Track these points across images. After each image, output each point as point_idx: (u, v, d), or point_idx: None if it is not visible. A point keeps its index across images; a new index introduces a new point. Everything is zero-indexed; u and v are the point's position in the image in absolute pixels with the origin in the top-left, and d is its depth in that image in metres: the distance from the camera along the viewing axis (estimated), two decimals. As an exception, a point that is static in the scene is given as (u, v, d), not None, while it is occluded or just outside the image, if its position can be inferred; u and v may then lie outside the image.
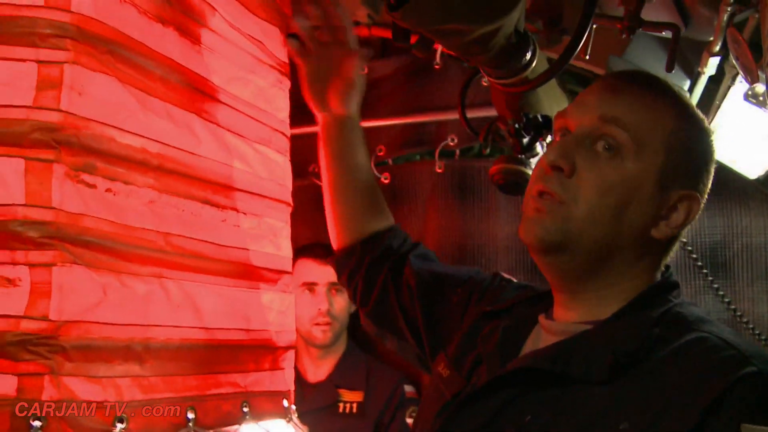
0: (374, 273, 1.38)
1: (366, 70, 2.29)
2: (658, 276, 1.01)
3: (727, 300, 1.74)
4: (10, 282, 0.95)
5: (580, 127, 0.97)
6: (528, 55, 1.14)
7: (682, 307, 0.97)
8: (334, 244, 1.44)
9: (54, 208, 0.96)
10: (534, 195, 0.98)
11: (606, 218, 0.93)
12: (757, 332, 1.72)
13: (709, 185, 1.01)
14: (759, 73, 1.16)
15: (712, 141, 1.01)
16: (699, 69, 1.41)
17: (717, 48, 1.31)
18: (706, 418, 0.79)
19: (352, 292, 1.43)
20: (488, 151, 1.54)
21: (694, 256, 1.78)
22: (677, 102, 0.99)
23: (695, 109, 1.01)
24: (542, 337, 1.03)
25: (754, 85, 1.27)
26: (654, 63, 1.30)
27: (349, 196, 1.41)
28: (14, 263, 0.95)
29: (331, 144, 1.43)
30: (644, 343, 0.89)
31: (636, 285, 0.98)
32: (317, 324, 2.19)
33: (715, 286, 1.77)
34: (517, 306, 1.13)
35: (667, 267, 1.03)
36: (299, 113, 2.26)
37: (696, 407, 0.80)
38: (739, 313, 1.74)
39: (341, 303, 2.24)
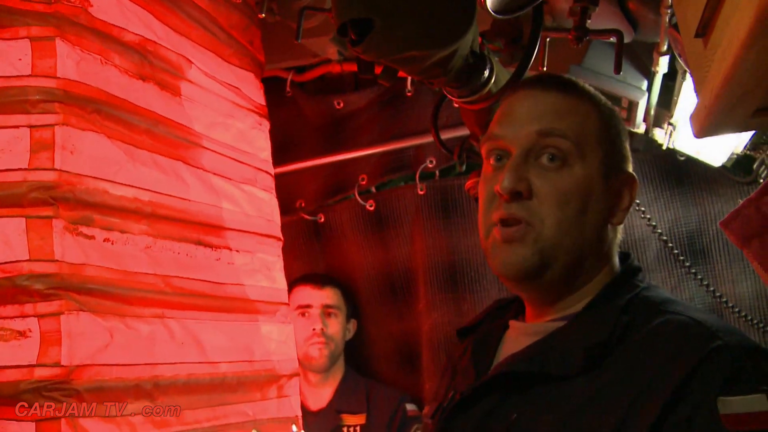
0: None
1: (342, 105, 2.37)
2: (617, 250, 1.04)
3: (707, 284, 1.79)
4: (21, 334, 1.01)
5: (520, 146, 0.99)
6: (486, 73, 1.21)
7: (648, 291, 1.00)
8: None
9: (57, 260, 1.03)
10: (496, 223, 0.99)
11: (572, 226, 0.97)
12: (740, 312, 1.76)
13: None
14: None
15: (621, 119, 1.07)
16: (653, 68, 1.49)
17: (664, 48, 1.38)
18: (679, 396, 0.82)
19: None
20: (464, 168, 1.59)
21: (671, 245, 1.83)
22: (592, 97, 1.04)
23: (601, 96, 1.06)
24: (517, 340, 1.05)
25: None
26: (611, 68, 1.38)
27: None
28: (23, 316, 1.01)
29: None
30: (614, 331, 0.93)
31: (604, 273, 1.02)
32: (312, 344, 2.21)
33: (695, 272, 1.82)
34: (486, 319, 1.17)
35: (628, 254, 1.07)
36: (283, 152, 2.33)
37: (668, 386, 0.83)
38: (720, 296, 1.79)
39: (335, 325, 2.25)
